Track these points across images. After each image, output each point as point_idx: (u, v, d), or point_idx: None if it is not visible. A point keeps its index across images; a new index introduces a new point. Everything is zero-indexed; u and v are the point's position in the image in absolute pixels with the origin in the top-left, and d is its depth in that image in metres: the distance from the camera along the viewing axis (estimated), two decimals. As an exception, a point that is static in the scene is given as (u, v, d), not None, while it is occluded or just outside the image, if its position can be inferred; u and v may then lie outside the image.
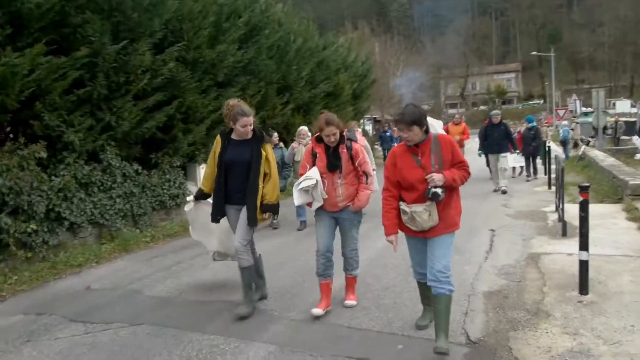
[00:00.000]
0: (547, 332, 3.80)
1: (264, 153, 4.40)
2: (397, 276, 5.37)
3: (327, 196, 4.36)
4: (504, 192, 11.01)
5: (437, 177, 3.39)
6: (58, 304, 5.17)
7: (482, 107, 70.17)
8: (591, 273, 4.61)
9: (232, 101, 4.44)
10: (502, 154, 11.40)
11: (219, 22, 10.24)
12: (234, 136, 4.46)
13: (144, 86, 8.15)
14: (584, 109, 33.99)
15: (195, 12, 9.40)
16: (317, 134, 4.41)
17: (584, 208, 4.53)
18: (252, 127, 4.39)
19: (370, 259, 6.07)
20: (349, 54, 19.40)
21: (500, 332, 3.86)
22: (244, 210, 4.38)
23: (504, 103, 73.55)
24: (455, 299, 4.53)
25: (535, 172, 13.77)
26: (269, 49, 12.16)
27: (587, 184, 4.82)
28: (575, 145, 19.11)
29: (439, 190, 3.40)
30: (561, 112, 28.21)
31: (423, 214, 3.46)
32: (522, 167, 14.39)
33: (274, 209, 4.49)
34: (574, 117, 31.85)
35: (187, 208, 4.98)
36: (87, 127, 7.40)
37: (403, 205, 3.58)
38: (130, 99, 8.03)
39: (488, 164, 13.57)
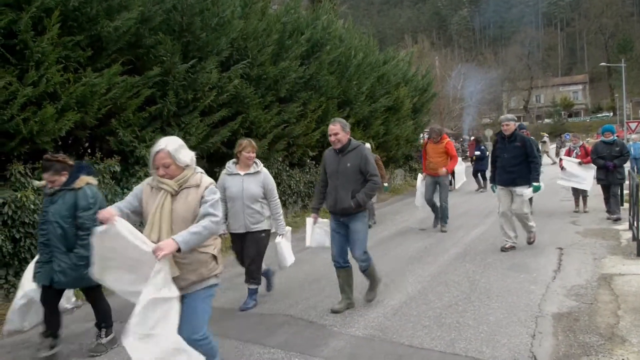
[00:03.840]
0: (623, 359, 3.61)
1: None
2: (459, 294, 5.27)
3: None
4: (509, 248, 6.97)
5: None
6: (127, 312, 5.38)
7: (547, 120, 67.86)
8: (671, 297, 4.36)
9: None
10: (518, 189, 6.79)
11: (282, 39, 10.51)
12: None
13: (210, 102, 8.48)
14: (658, 122, 32.10)
15: (260, 30, 9.70)
16: None
17: (662, 228, 4.30)
18: None
19: (433, 275, 6.00)
20: (409, 68, 19.29)
21: (572, 357, 3.69)
22: None
23: (570, 116, 70.89)
24: (522, 319, 4.42)
25: (618, 208, 9.18)
26: (330, 65, 12.33)
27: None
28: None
29: None
30: (633, 125, 26.70)
31: None
32: (584, 195, 10.22)
33: None
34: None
35: None
36: (157, 142, 7.75)
37: None
38: (198, 115, 8.36)
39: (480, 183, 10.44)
